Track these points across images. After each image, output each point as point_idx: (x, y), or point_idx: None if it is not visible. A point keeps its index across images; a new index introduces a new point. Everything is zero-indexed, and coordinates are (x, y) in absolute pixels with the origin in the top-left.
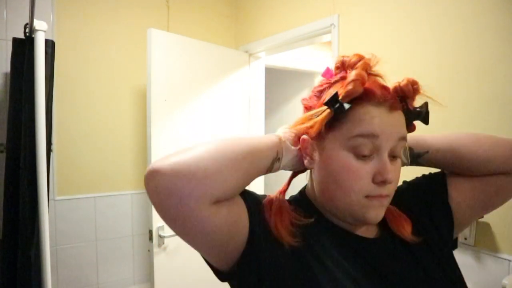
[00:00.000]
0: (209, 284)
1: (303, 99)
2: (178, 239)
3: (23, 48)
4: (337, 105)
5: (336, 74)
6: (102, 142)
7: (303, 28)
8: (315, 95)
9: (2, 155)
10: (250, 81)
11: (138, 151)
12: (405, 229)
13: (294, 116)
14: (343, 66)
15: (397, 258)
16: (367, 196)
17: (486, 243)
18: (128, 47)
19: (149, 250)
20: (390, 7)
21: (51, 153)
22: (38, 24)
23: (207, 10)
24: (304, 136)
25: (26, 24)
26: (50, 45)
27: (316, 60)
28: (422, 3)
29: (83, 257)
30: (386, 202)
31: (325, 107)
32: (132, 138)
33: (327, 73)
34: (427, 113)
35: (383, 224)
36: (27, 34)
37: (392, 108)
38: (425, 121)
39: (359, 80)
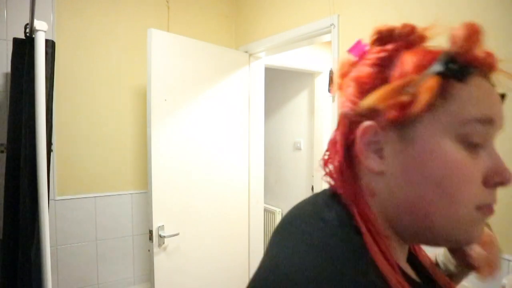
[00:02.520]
0: (209, 283)
1: (350, 77)
2: (178, 239)
3: (23, 48)
4: (456, 66)
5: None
6: (102, 142)
7: (303, 28)
8: (373, 65)
9: (2, 155)
10: (250, 81)
11: (138, 151)
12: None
13: (295, 116)
14: (390, 37)
15: None
16: (478, 208)
17: None
18: (128, 47)
19: (149, 250)
20: (390, 7)
21: (52, 153)
22: (38, 24)
23: (207, 10)
24: (368, 123)
25: (27, 24)
26: (50, 45)
27: (316, 60)
28: (422, 3)
29: (83, 257)
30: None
31: (421, 74)
32: (132, 138)
33: (357, 47)
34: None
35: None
36: (28, 34)
37: (491, 82)
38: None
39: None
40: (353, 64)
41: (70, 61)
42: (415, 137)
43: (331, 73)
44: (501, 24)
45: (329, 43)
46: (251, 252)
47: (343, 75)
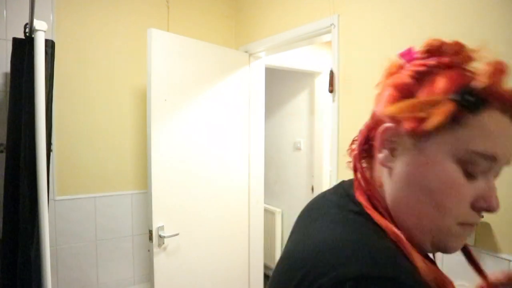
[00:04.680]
0: (209, 283)
1: (389, 81)
2: (178, 239)
3: (23, 48)
4: (472, 99)
5: (425, 58)
6: (102, 142)
7: (303, 28)
8: (411, 76)
9: (2, 155)
10: (250, 81)
11: (138, 151)
12: None
13: (295, 116)
14: (438, 52)
15: None
16: (460, 223)
17: (486, 243)
18: (128, 47)
19: (149, 250)
20: (390, 7)
21: (51, 153)
22: (38, 24)
23: (207, 10)
24: (389, 125)
25: (26, 24)
26: (50, 45)
27: (316, 60)
28: (422, 3)
29: (83, 257)
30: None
31: (441, 97)
32: (132, 138)
33: (408, 54)
34: None
35: None
36: (27, 34)
37: None
38: None
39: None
40: (400, 67)
41: (70, 61)
42: (424, 149)
43: (331, 73)
44: (502, 23)
45: (329, 43)
46: (251, 252)
47: (388, 75)
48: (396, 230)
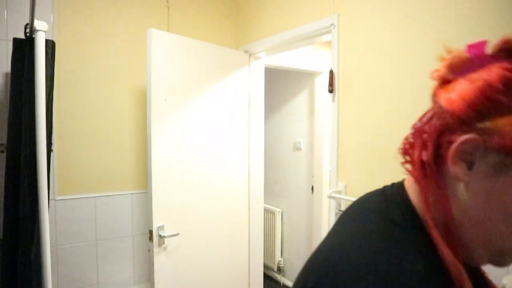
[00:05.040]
0: (209, 283)
1: (476, 78)
2: (178, 239)
3: (23, 48)
4: None
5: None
6: (102, 142)
7: (303, 28)
8: (502, 83)
9: (2, 155)
10: (250, 81)
11: (138, 151)
12: None
13: (295, 116)
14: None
15: None
16: None
17: None
18: (128, 47)
19: (149, 250)
20: (390, 7)
21: (52, 153)
22: (38, 24)
23: (207, 10)
24: (475, 137)
25: (27, 24)
26: (50, 45)
27: (316, 60)
28: (423, 3)
29: (83, 257)
30: None
31: None
32: (132, 138)
33: (478, 46)
34: None
35: None
36: (28, 34)
37: None
38: None
39: None
40: (467, 62)
41: (70, 61)
42: (509, 170)
43: (331, 73)
44: (502, 23)
45: (329, 43)
46: (251, 252)
47: (451, 67)
48: (460, 267)
